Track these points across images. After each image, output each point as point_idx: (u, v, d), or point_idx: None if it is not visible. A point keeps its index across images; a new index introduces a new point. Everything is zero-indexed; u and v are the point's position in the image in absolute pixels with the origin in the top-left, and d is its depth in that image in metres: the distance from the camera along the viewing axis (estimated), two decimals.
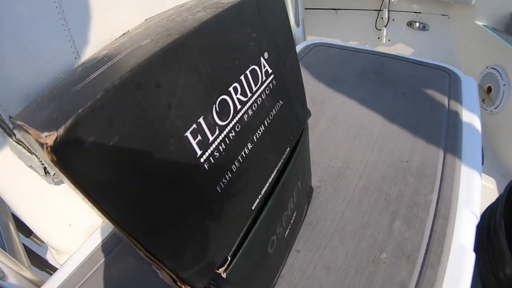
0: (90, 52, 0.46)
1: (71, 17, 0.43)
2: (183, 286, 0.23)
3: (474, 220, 0.48)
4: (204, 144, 0.20)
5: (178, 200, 0.19)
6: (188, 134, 0.19)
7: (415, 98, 0.69)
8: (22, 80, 0.40)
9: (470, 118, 0.64)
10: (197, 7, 0.25)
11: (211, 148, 0.20)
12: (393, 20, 1.70)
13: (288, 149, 0.31)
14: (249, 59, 0.24)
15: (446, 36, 1.58)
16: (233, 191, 0.23)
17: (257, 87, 0.25)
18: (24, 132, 0.20)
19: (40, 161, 0.47)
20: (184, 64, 0.18)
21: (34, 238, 0.84)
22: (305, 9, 1.82)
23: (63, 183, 0.54)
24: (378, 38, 1.77)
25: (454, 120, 0.63)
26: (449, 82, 0.75)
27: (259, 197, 0.27)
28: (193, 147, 0.19)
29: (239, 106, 0.23)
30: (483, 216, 0.74)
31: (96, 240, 0.54)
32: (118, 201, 0.16)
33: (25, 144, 0.44)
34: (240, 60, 0.23)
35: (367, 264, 0.41)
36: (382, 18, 1.70)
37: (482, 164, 0.74)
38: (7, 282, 0.50)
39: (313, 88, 0.74)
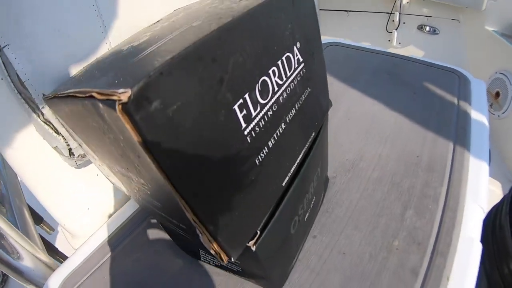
0: (119, 37, 0.47)
1: (103, 2, 0.45)
2: (219, 253, 0.24)
3: (481, 214, 0.49)
4: (248, 118, 0.22)
5: (224, 166, 0.21)
6: (236, 107, 0.21)
7: (425, 97, 0.71)
8: (53, 61, 0.42)
9: (479, 118, 0.66)
10: None
11: (253, 123, 0.22)
12: (404, 23, 1.71)
13: (313, 134, 0.33)
14: (285, 47, 0.26)
15: (456, 40, 1.59)
16: (269, 165, 0.25)
17: (290, 72, 0.27)
18: (70, 102, 0.22)
19: (66, 142, 0.47)
20: (235, 44, 0.20)
21: (44, 226, 0.86)
22: (319, 10, 1.84)
23: (85, 166, 0.56)
24: (389, 40, 1.78)
25: (463, 120, 0.64)
26: (458, 83, 0.76)
27: (289, 175, 0.28)
28: (239, 119, 0.21)
29: (276, 88, 0.25)
30: (489, 214, 0.75)
31: (114, 225, 0.55)
32: (176, 161, 0.18)
33: (52, 124, 0.45)
34: (278, 46, 0.25)
35: (381, 250, 0.43)
36: (393, 21, 1.71)
37: (489, 165, 0.75)
38: (22, 264, 0.52)
39: (329, 84, 0.76)
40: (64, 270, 0.50)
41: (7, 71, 0.40)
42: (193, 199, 0.20)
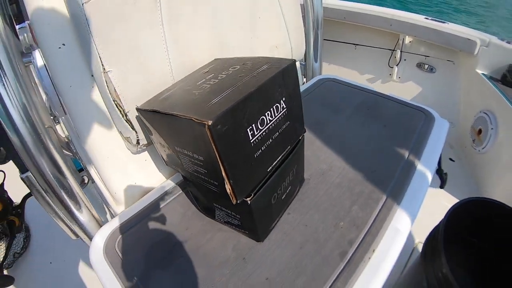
0: (180, 73, 0.78)
1: (171, 49, 0.76)
2: (232, 196, 0.54)
3: (413, 215, 0.76)
4: (253, 135, 0.52)
5: (242, 155, 0.51)
6: (248, 130, 0.51)
7: (392, 129, 0.99)
8: (137, 82, 0.72)
9: (431, 148, 0.92)
10: (254, 71, 0.57)
11: (255, 138, 0.53)
12: (404, 60, 2.03)
13: (289, 147, 0.63)
14: (275, 101, 0.56)
15: (450, 79, 1.89)
16: (261, 158, 0.55)
17: (277, 114, 0.57)
18: (169, 117, 0.52)
19: (137, 135, 0.77)
20: (251, 102, 0.50)
21: None
22: (331, 41, 2.18)
23: (139, 153, 0.85)
24: (390, 74, 2.09)
25: (416, 148, 0.91)
26: (423, 121, 1.04)
27: (272, 166, 0.58)
28: (249, 135, 0.52)
29: (268, 122, 0.55)
30: (432, 232, 1.02)
31: (151, 197, 0.84)
32: (223, 149, 0.48)
33: (131, 122, 0.75)
34: (271, 101, 0.55)
35: (330, 226, 0.72)
36: (395, 57, 2.03)
37: (443, 187, 1.04)
38: (81, 216, 0.74)
39: (319, 113, 1.06)
40: (111, 226, 0.77)
41: (107, 86, 0.70)
42: (227, 167, 0.50)
